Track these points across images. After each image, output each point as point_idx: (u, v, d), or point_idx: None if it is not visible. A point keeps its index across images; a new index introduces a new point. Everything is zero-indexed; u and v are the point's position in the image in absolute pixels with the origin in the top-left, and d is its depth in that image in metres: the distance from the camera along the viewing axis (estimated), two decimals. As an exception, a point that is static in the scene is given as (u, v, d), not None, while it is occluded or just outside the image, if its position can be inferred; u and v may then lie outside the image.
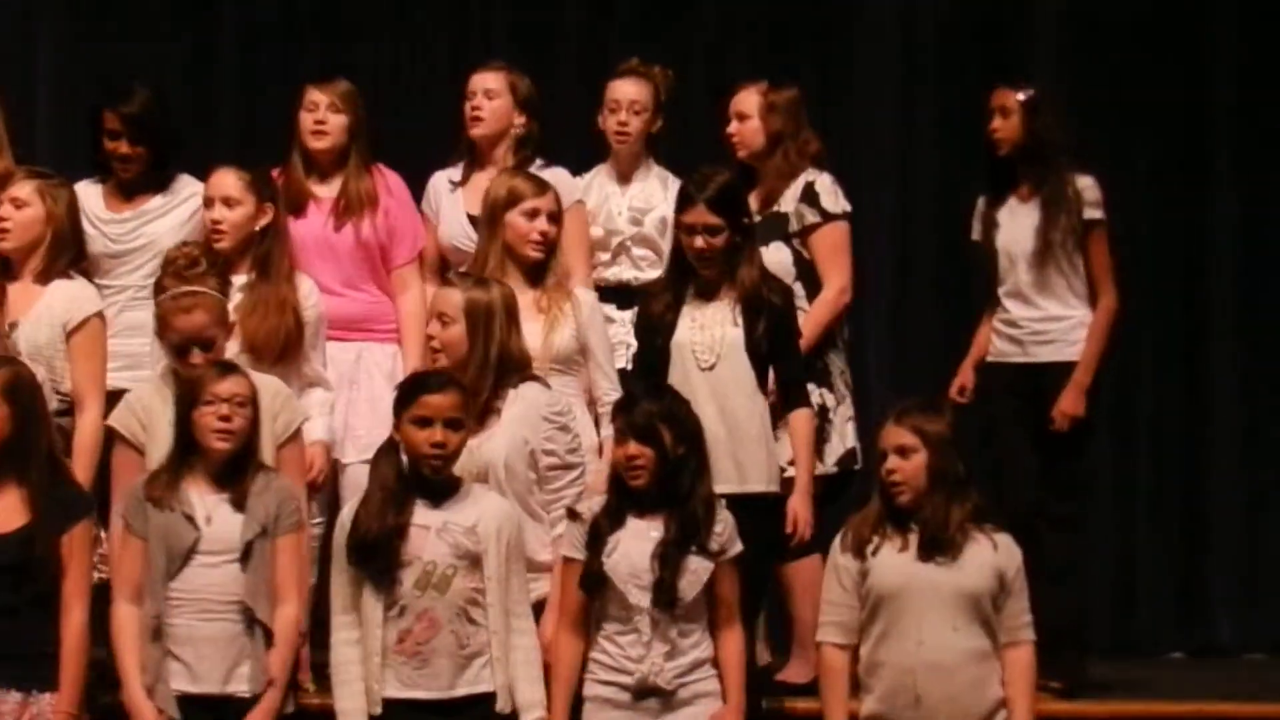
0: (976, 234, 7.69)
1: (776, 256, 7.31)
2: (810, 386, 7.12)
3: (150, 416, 6.41)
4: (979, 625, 6.13)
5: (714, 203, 6.69)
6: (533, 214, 6.94)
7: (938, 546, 6.11)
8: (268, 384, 6.47)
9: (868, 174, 8.81)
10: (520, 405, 6.45)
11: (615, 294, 7.48)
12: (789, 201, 7.46)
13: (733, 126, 7.59)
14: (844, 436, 7.37)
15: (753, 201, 7.30)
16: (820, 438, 7.23)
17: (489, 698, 6.11)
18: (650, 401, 6.26)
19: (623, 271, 7.54)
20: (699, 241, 6.68)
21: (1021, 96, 7.53)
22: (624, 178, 7.63)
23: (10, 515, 6.10)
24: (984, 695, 6.13)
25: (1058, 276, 7.50)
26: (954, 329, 8.48)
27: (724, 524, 6.21)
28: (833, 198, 7.45)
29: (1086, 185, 7.49)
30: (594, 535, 6.18)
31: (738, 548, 6.23)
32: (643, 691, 6.17)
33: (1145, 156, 9.27)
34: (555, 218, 6.95)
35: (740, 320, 6.70)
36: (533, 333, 6.75)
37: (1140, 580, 9.30)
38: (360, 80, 7.70)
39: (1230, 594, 9.27)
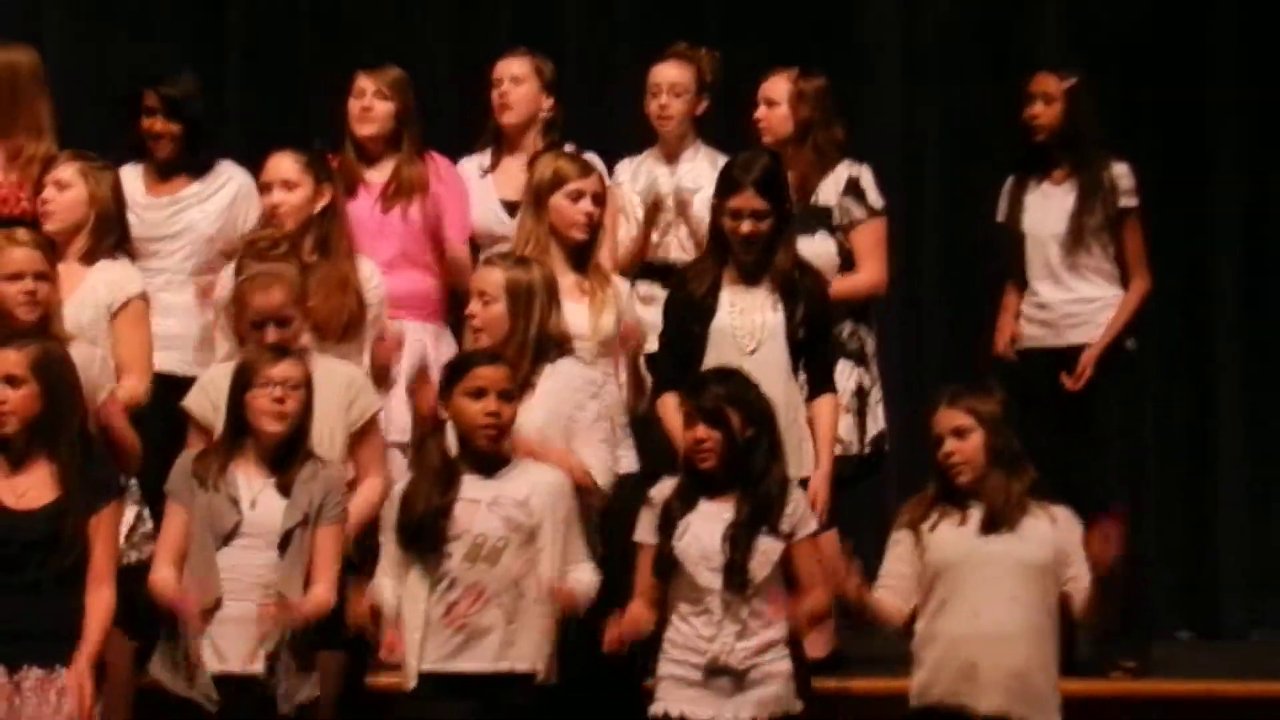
0: (1002, 215, 7.61)
1: (822, 248, 7.24)
2: (850, 366, 7.19)
3: (223, 399, 6.28)
4: (1039, 599, 5.97)
5: (761, 186, 6.55)
6: (577, 196, 6.79)
7: (1000, 521, 6.00)
8: (342, 372, 6.47)
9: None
10: (556, 379, 6.37)
11: (661, 274, 7.35)
12: (830, 194, 7.38)
13: (761, 112, 7.50)
14: (877, 419, 7.30)
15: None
16: (860, 416, 7.24)
17: (529, 677, 6.02)
18: (718, 385, 6.15)
19: (670, 252, 7.39)
20: (745, 226, 6.54)
21: (1065, 84, 7.44)
22: (671, 159, 7.52)
23: (40, 491, 5.96)
24: (1046, 678, 5.97)
25: (1089, 259, 7.43)
26: (959, 320, 8.65)
27: (795, 504, 6.09)
28: (875, 193, 7.42)
29: (1122, 173, 7.46)
30: (665, 519, 6.06)
31: (810, 527, 6.11)
32: (714, 670, 6.02)
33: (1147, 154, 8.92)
34: (600, 199, 6.83)
35: (780, 306, 6.57)
36: (579, 314, 6.66)
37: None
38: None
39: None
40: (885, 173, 8.21)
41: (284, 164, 6.90)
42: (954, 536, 5.99)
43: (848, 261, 7.30)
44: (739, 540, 5.97)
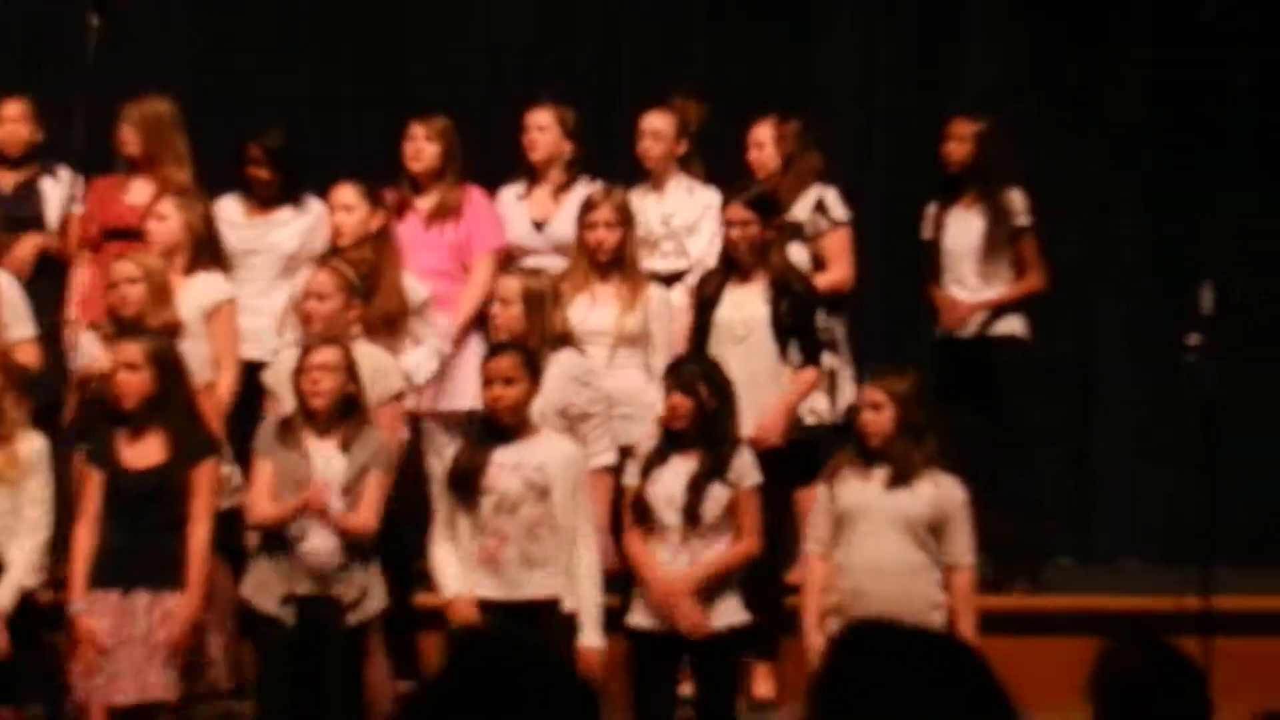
0: (928, 233, 7.82)
1: (796, 256, 7.39)
2: (824, 354, 7.24)
3: (286, 374, 6.55)
4: (915, 543, 6.22)
5: (745, 202, 6.92)
6: (592, 226, 7.07)
7: (897, 480, 6.25)
8: (371, 358, 6.61)
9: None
10: (555, 368, 6.56)
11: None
12: (803, 211, 7.52)
13: (752, 153, 7.66)
14: (845, 393, 7.39)
15: None
16: (831, 393, 7.34)
17: (553, 602, 6.22)
18: (693, 364, 6.48)
19: (654, 263, 7.52)
20: (734, 232, 6.94)
21: (975, 128, 7.69)
22: (657, 189, 7.65)
23: (153, 454, 6.24)
24: (916, 598, 6.18)
25: (995, 268, 7.67)
26: (901, 310, 8.74)
27: (742, 459, 6.35)
28: (839, 207, 7.56)
29: (1016, 197, 7.71)
30: (645, 468, 6.35)
31: (754, 479, 6.35)
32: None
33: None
34: (611, 225, 7.05)
35: (769, 301, 6.86)
36: (606, 314, 6.94)
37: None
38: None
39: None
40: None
41: (345, 191, 7.10)
42: (858, 488, 6.27)
43: (818, 266, 7.42)
44: (697, 487, 6.22)
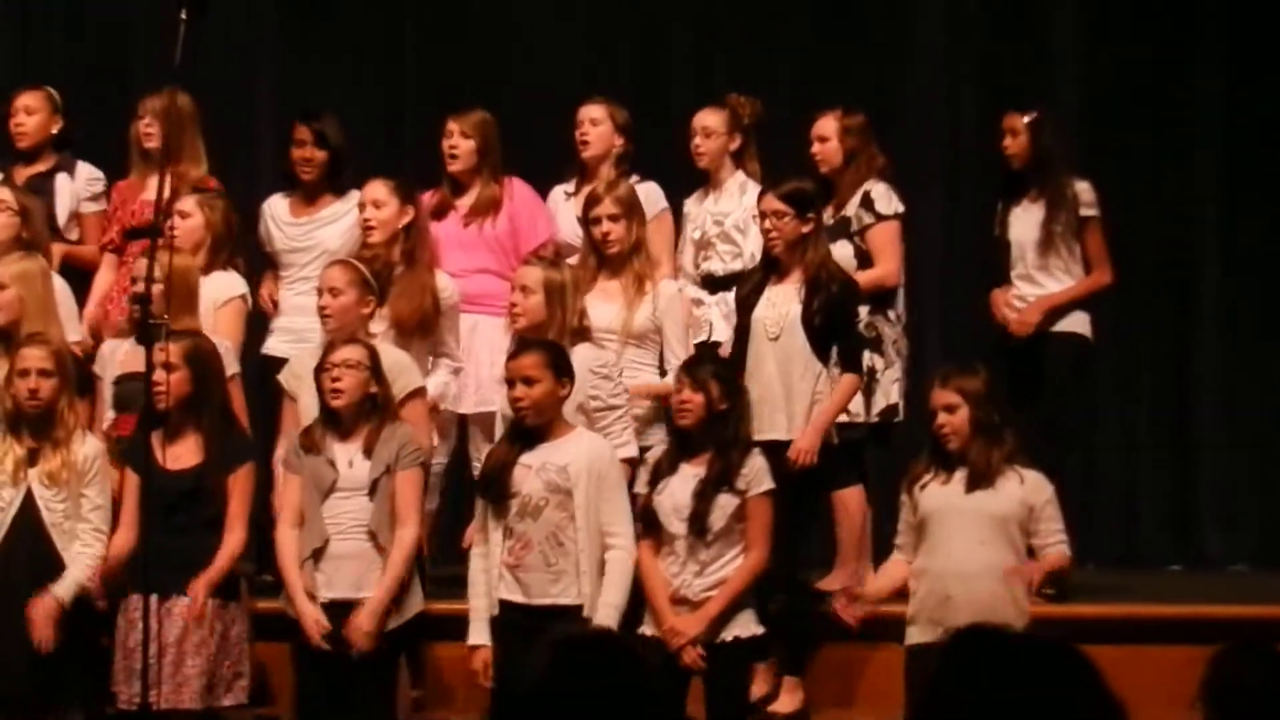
0: (997, 230, 7.65)
1: (841, 251, 7.21)
2: (864, 351, 7.11)
3: (304, 372, 6.51)
4: (1004, 544, 6.10)
5: (780, 194, 6.72)
6: (596, 221, 6.95)
7: (979, 481, 6.10)
8: (391, 356, 6.50)
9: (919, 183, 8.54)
10: (574, 361, 6.34)
11: (705, 282, 7.46)
12: (852, 207, 7.37)
13: (815, 148, 7.48)
14: (888, 394, 7.24)
15: (829, 208, 7.30)
16: (868, 393, 7.17)
17: (575, 609, 6.07)
18: (709, 363, 6.38)
19: (711, 265, 7.42)
20: (767, 224, 6.74)
21: (1026, 119, 7.51)
22: (712, 188, 7.55)
23: (189, 455, 6.21)
24: (1005, 601, 6.04)
25: (1057, 261, 7.45)
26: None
27: (752, 466, 6.17)
28: (886, 201, 7.36)
29: (1083, 188, 7.49)
30: (654, 476, 6.22)
31: (765, 485, 6.17)
32: (676, 601, 6.15)
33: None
34: (615, 217, 6.92)
35: (803, 299, 6.66)
36: (612, 311, 6.80)
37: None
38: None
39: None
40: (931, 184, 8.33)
41: (375, 187, 7.03)
42: (939, 492, 6.11)
43: (864, 262, 7.28)
44: (704, 495, 6.07)
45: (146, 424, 5.93)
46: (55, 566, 6.21)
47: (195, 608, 6.01)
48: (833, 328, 6.65)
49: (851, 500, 7.05)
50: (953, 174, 9.05)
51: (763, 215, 6.74)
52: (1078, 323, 7.44)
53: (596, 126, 7.52)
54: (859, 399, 7.06)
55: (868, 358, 7.12)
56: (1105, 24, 9.15)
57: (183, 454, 6.12)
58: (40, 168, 7.52)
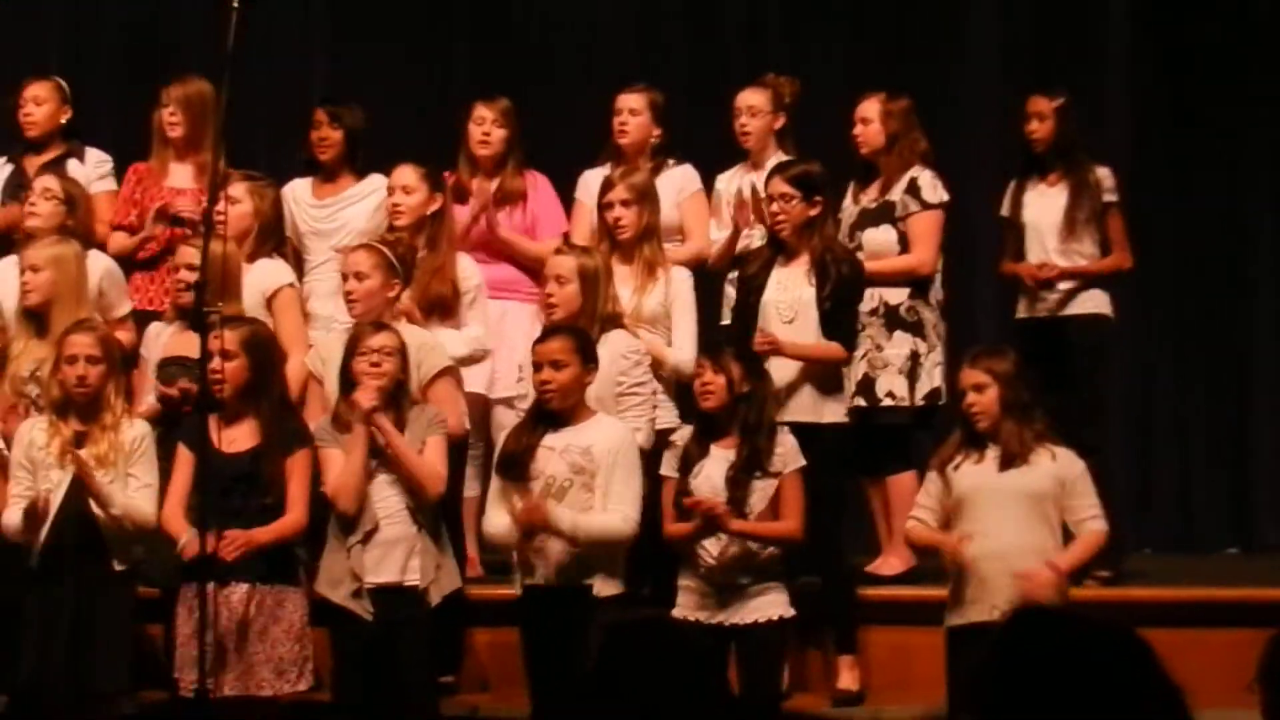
0: (1006, 210, 7.61)
1: (884, 236, 7.26)
2: (905, 336, 7.18)
3: (330, 355, 6.54)
4: (1040, 520, 6.09)
5: (787, 177, 6.74)
6: (609, 206, 6.94)
7: (1011, 460, 6.09)
8: (415, 337, 6.51)
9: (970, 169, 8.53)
10: (606, 347, 6.43)
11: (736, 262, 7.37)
12: (897, 192, 7.33)
13: (857, 129, 7.46)
14: (931, 377, 7.20)
15: (872, 191, 7.36)
16: (912, 377, 7.16)
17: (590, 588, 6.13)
18: (730, 345, 6.39)
19: (755, 242, 7.33)
20: (775, 206, 6.76)
21: (1054, 103, 7.49)
22: (755, 166, 7.49)
23: (246, 438, 6.19)
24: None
25: (1079, 246, 7.44)
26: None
27: (783, 445, 6.22)
28: (931, 190, 7.31)
29: (1104, 174, 7.50)
30: (684, 461, 6.23)
31: (798, 463, 6.21)
32: (718, 585, 6.17)
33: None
34: (627, 203, 6.91)
35: (814, 282, 6.66)
36: (624, 295, 6.77)
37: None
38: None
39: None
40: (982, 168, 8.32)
41: (405, 172, 7.06)
42: (972, 472, 6.11)
43: (905, 248, 7.25)
44: (739, 481, 6.11)
45: (204, 409, 5.86)
46: (102, 548, 6.21)
47: (226, 545, 5.85)
48: (834, 310, 6.64)
49: (905, 485, 7.04)
50: (1001, 159, 8.89)
51: (770, 198, 6.75)
52: (1099, 303, 7.42)
53: (636, 116, 7.50)
54: (902, 383, 7.09)
55: (910, 342, 7.14)
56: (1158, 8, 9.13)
57: (239, 438, 6.11)
58: (50, 155, 7.55)
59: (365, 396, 6.13)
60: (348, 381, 6.24)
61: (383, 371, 6.18)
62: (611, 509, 6.09)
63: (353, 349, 6.24)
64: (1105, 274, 7.44)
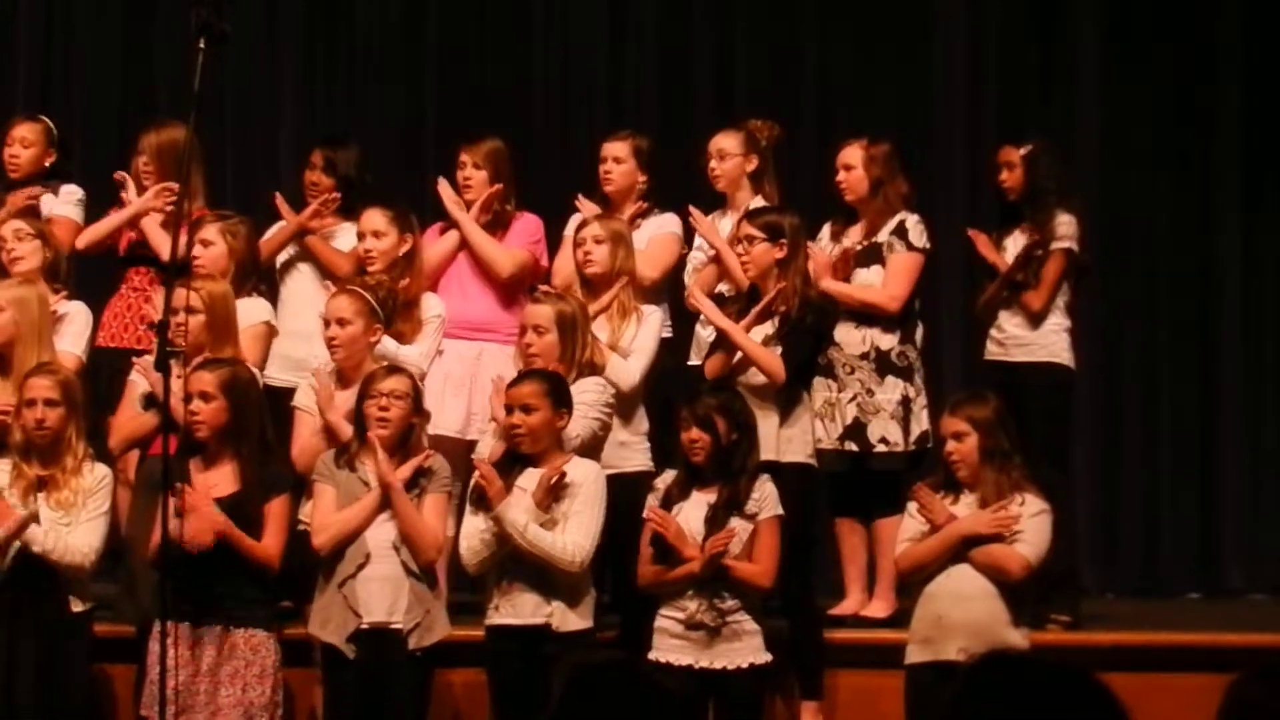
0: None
1: (874, 277, 7.29)
2: (896, 381, 7.19)
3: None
4: None
5: (753, 221, 6.85)
6: (581, 242, 7.02)
7: (988, 506, 6.17)
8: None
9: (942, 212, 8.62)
10: (579, 395, 6.46)
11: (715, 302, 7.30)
12: (884, 234, 7.35)
13: (840, 176, 7.45)
14: (920, 421, 7.22)
15: (855, 233, 7.39)
16: (905, 422, 7.18)
17: (570, 632, 6.17)
18: (711, 396, 6.37)
19: (721, 285, 7.37)
20: (739, 249, 6.86)
21: (1022, 152, 7.53)
22: (730, 209, 7.52)
23: (226, 483, 6.17)
24: (997, 620, 6.13)
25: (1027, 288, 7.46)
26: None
27: (761, 491, 6.26)
28: (918, 234, 7.33)
29: (1064, 221, 7.47)
30: (664, 503, 6.27)
31: (773, 511, 6.27)
32: (693, 626, 6.22)
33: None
34: (600, 241, 6.97)
35: (775, 326, 6.76)
36: (601, 334, 6.83)
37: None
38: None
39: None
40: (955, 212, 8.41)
41: (375, 217, 7.07)
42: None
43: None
44: (717, 521, 6.15)
45: (181, 452, 5.82)
46: (59, 591, 6.24)
47: (197, 499, 5.93)
48: (796, 334, 6.71)
49: (894, 528, 6.94)
50: (972, 204, 9.07)
51: (737, 240, 6.85)
52: (1054, 352, 7.42)
53: (620, 165, 7.50)
54: (895, 429, 7.12)
55: (901, 387, 7.15)
56: (1126, 42, 9.26)
57: (219, 482, 6.10)
58: (30, 194, 7.47)
59: (388, 469, 6.14)
60: (361, 420, 6.27)
61: (389, 418, 6.20)
62: (564, 534, 6.12)
63: (364, 391, 6.27)
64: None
